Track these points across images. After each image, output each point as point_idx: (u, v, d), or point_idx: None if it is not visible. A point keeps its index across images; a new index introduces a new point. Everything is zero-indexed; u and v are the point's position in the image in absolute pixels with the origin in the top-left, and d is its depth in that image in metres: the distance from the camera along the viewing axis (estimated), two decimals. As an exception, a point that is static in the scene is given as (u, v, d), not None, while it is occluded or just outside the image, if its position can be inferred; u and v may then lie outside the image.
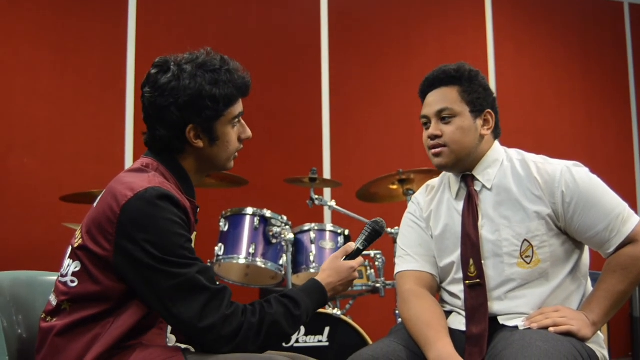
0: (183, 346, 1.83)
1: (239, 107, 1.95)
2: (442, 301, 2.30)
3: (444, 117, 2.19)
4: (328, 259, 2.09)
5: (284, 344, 3.31)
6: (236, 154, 2.01)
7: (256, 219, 3.71)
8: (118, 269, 1.73)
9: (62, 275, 1.84)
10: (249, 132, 2.01)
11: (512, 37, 6.00)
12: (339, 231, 3.82)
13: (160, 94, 1.85)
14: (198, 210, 1.99)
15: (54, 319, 1.79)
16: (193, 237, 1.91)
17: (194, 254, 1.78)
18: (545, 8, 6.18)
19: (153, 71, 1.90)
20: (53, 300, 1.83)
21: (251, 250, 3.65)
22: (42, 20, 4.97)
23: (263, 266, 3.67)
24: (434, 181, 2.40)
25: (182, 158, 1.93)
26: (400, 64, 5.66)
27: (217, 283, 1.78)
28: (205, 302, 1.72)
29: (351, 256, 2.09)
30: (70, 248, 1.86)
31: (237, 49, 5.13)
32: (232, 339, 1.73)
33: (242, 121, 2.00)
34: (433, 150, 2.20)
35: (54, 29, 4.99)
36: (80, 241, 1.81)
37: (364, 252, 2.25)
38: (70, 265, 1.81)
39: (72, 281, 1.79)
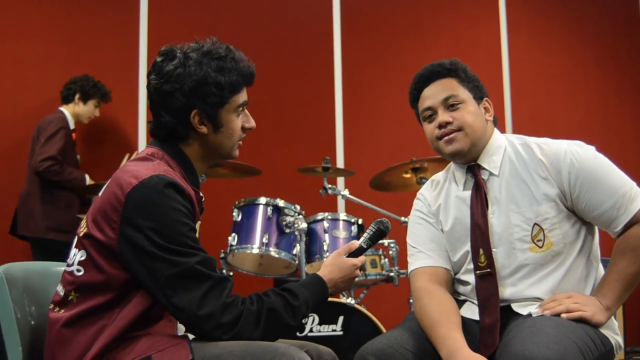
0: (191, 335, 1.83)
1: (243, 96, 1.96)
2: (455, 292, 2.27)
3: (451, 104, 2.18)
4: (331, 255, 2.09)
5: (297, 334, 3.33)
6: (240, 142, 2.02)
7: (269, 209, 3.72)
8: (122, 257, 1.74)
9: (68, 265, 1.85)
10: (252, 122, 2.02)
11: (526, 26, 5.93)
12: (352, 220, 3.82)
13: (166, 80, 1.87)
14: (203, 199, 1.99)
15: (62, 310, 1.81)
16: (197, 226, 1.91)
17: (198, 243, 1.79)
18: (559, -4, 6.12)
19: (159, 59, 1.92)
20: (60, 290, 1.85)
21: (265, 240, 3.65)
22: (54, 13, 5.00)
23: (277, 256, 3.68)
24: (438, 175, 2.37)
25: (187, 145, 1.94)
26: (413, 53, 5.61)
27: (231, 274, 1.77)
28: (206, 290, 1.73)
29: (354, 254, 2.09)
30: (76, 237, 1.88)
31: (249, 39, 5.12)
32: (231, 326, 1.74)
33: (246, 111, 2.01)
34: (446, 138, 2.17)
35: (66, 22, 5.02)
36: (85, 230, 1.82)
37: (378, 242, 2.23)
38: (76, 255, 1.83)
39: (78, 270, 1.80)
